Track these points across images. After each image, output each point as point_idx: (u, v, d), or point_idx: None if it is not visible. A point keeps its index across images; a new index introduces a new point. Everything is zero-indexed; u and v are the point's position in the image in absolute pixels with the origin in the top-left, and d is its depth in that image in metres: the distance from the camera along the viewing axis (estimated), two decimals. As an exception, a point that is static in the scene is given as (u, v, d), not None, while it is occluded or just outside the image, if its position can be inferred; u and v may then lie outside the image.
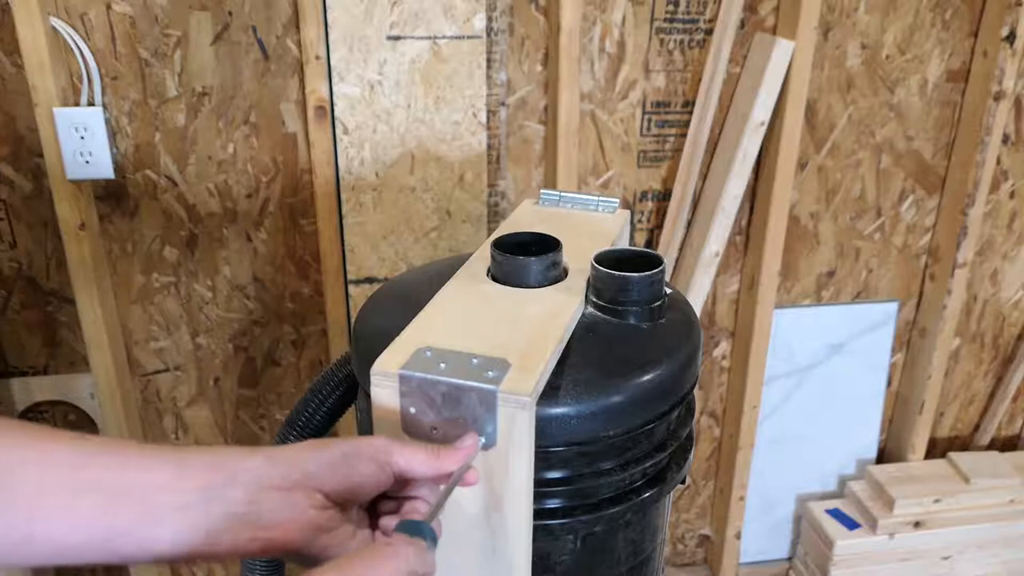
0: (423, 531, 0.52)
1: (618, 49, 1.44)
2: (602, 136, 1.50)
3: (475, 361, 0.60)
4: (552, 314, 0.69)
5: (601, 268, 0.73)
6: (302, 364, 1.53)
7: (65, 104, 1.26)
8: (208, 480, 0.52)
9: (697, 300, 1.57)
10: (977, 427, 1.93)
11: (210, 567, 1.68)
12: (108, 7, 1.26)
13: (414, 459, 0.57)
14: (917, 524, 1.73)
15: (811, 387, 1.78)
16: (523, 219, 0.91)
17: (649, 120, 1.50)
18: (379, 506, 0.59)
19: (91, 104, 1.29)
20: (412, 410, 0.60)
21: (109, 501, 0.51)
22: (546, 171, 1.49)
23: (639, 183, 1.55)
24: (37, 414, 1.50)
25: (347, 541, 0.55)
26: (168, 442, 1.55)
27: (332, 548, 0.54)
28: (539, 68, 1.43)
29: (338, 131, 1.32)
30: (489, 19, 1.30)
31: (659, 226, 1.59)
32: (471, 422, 0.59)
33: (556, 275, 0.76)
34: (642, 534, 0.76)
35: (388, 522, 0.58)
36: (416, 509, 0.58)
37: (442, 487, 0.58)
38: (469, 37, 1.30)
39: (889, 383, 1.84)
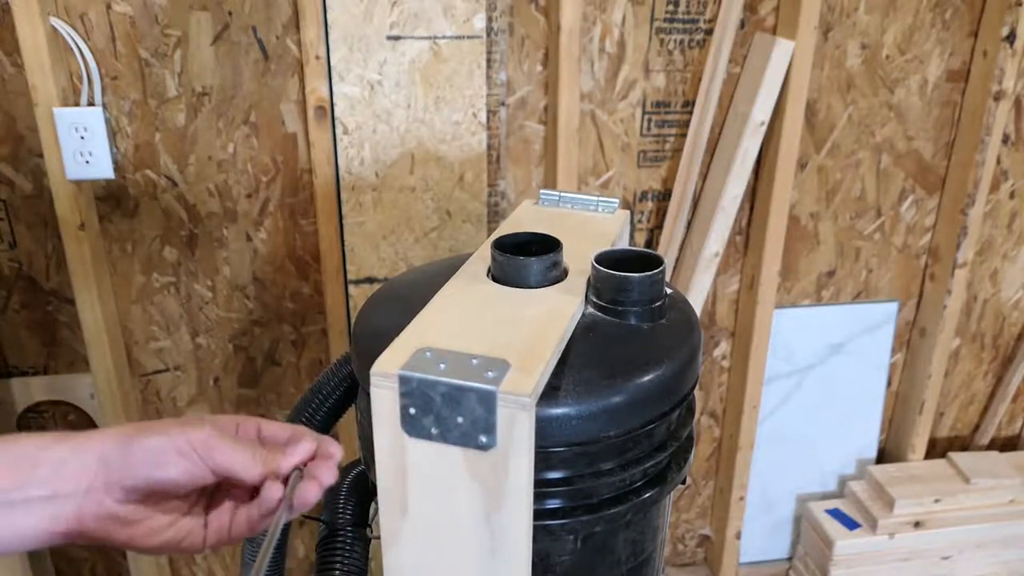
0: None
1: (618, 49, 1.44)
2: (602, 136, 1.50)
3: (475, 362, 0.60)
4: (552, 314, 0.69)
5: (601, 268, 0.73)
6: (302, 364, 1.53)
7: (65, 104, 1.26)
8: (12, 481, 0.52)
9: (697, 300, 1.57)
10: (977, 427, 1.93)
11: (210, 567, 1.68)
12: (108, 7, 1.26)
13: (237, 459, 0.55)
14: (917, 524, 1.74)
15: (811, 387, 1.78)
16: (523, 219, 0.91)
17: (649, 120, 1.50)
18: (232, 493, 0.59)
19: (91, 104, 1.29)
20: (412, 410, 0.60)
21: None
22: (546, 171, 1.49)
23: (639, 183, 1.55)
24: (37, 414, 1.50)
25: (161, 531, 0.55)
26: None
27: (139, 539, 0.54)
28: (539, 68, 1.43)
29: (338, 131, 1.32)
30: (489, 19, 1.30)
31: (659, 226, 1.59)
32: (471, 423, 0.59)
33: (556, 275, 0.76)
34: (642, 534, 0.76)
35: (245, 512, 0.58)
36: (268, 499, 0.56)
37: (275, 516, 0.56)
38: (469, 37, 1.30)
39: (889, 383, 1.84)
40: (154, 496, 0.55)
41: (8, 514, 0.52)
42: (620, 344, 0.71)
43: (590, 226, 0.90)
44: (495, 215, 1.42)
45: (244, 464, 0.55)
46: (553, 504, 0.69)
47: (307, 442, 0.58)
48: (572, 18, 1.34)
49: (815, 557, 1.79)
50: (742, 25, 1.46)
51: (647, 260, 0.74)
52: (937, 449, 1.91)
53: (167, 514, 0.55)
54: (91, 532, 0.53)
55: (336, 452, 0.60)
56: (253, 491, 0.58)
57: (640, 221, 1.59)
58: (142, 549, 0.55)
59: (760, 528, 1.89)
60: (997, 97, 1.54)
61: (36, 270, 1.40)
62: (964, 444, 1.94)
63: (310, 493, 0.57)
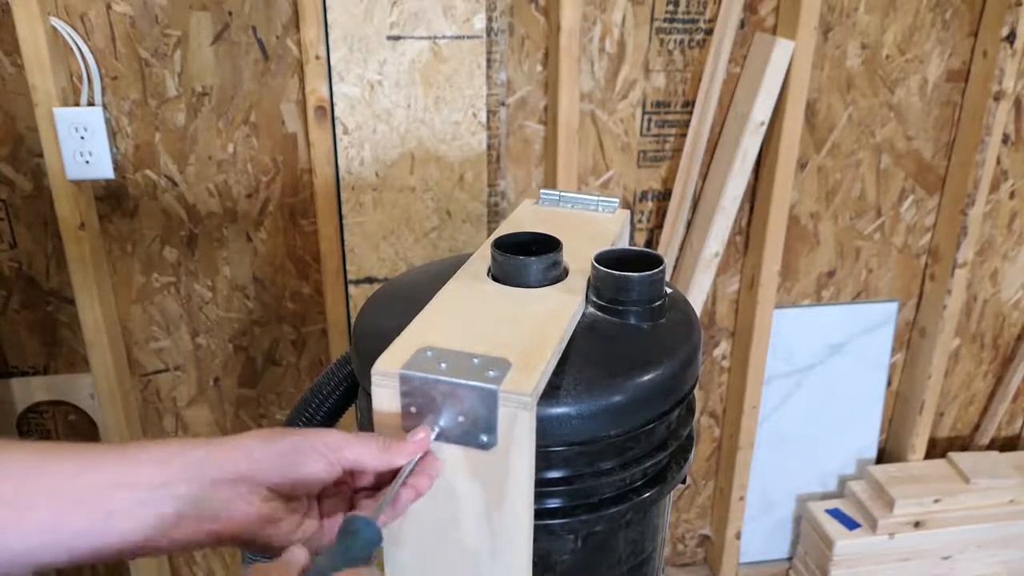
0: (362, 527, 0.52)
1: (618, 49, 1.44)
2: (602, 136, 1.50)
3: (476, 361, 0.60)
4: (552, 314, 0.69)
5: (601, 268, 0.73)
6: (302, 364, 1.53)
7: (65, 104, 1.26)
8: (159, 476, 0.53)
9: (697, 300, 1.57)
10: (977, 427, 1.93)
11: (209, 566, 1.68)
12: (108, 7, 1.26)
13: (364, 451, 0.58)
14: (917, 524, 1.74)
15: (811, 387, 1.78)
16: (523, 219, 0.91)
17: (649, 120, 1.50)
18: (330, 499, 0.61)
19: (91, 104, 1.29)
20: (413, 410, 0.60)
21: (64, 505, 0.51)
22: (546, 171, 1.49)
23: (639, 183, 1.55)
24: (37, 414, 1.50)
25: (293, 531, 0.57)
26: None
27: (277, 538, 0.56)
28: (539, 68, 1.43)
29: (338, 131, 1.32)
30: (489, 19, 1.30)
31: (659, 226, 1.59)
32: (472, 422, 0.59)
33: (556, 275, 0.76)
34: (642, 534, 0.76)
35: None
36: (366, 506, 0.59)
37: (391, 484, 0.58)
38: (469, 37, 1.30)
39: (889, 383, 1.84)
40: (289, 495, 0.57)
41: (156, 508, 0.53)
42: (620, 344, 0.71)
43: (590, 226, 0.90)
44: (495, 215, 1.42)
45: (371, 455, 0.58)
46: (553, 503, 0.69)
47: (423, 432, 0.59)
48: (572, 18, 1.34)
49: (815, 557, 1.79)
50: (742, 25, 1.46)
51: (647, 260, 0.74)
52: (937, 449, 1.91)
53: (294, 514, 0.58)
54: (239, 534, 0.54)
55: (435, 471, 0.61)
56: (353, 496, 0.61)
57: (640, 221, 1.59)
58: (277, 550, 0.56)
59: (760, 528, 1.89)
60: (997, 97, 1.54)
61: (36, 270, 1.40)
62: (964, 444, 1.94)
63: (420, 487, 0.59)
